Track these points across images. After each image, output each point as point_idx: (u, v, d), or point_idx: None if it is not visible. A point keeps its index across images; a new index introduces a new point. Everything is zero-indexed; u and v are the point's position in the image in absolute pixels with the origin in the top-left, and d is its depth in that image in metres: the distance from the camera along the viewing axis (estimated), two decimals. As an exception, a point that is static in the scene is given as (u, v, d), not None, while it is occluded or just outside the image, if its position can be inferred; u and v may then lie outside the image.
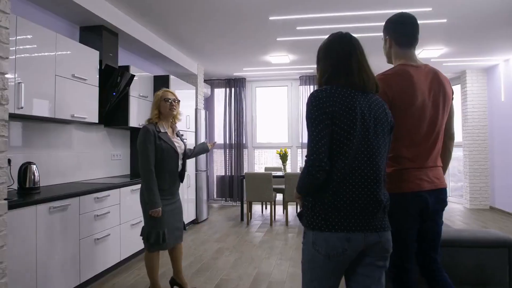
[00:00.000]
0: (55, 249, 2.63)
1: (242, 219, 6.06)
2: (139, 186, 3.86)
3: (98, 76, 3.58)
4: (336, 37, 1.49)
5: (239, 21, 4.40)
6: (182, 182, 2.88)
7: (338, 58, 1.43)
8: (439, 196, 1.72)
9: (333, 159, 1.34)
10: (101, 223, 3.19)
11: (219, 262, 3.83)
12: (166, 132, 2.70)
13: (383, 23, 1.85)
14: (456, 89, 7.74)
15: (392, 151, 1.63)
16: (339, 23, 4.44)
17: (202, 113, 6.12)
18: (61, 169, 3.52)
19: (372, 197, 1.34)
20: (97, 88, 3.57)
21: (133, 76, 4.08)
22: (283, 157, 6.27)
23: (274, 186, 6.03)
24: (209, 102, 7.82)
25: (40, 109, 2.83)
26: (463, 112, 7.26)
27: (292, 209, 7.05)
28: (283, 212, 6.74)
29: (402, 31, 1.75)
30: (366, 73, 1.42)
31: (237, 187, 7.60)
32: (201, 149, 3.17)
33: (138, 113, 4.41)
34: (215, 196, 7.86)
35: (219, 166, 7.98)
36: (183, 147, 2.82)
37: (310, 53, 5.71)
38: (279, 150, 6.34)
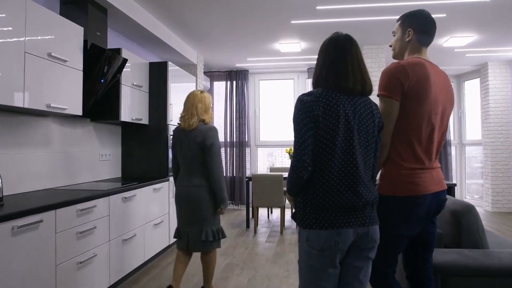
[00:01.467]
0: (22, 282, 1.96)
1: (247, 225, 5.43)
2: (133, 192, 3.23)
3: (82, 58, 2.90)
4: (330, 39, 1.54)
5: (251, 1, 3.77)
6: None
7: (329, 60, 1.49)
8: (441, 197, 1.69)
9: (319, 161, 1.42)
10: (85, 241, 2.53)
11: (230, 285, 3.18)
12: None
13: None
14: (474, 83, 7.20)
15: (399, 149, 1.64)
16: (365, 2, 3.82)
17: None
18: (34, 173, 2.85)
19: (358, 196, 1.41)
20: (81, 73, 2.89)
21: (125, 60, 3.41)
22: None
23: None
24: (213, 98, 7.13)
25: (4, 96, 2.16)
26: (484, 108, 6.72)
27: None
28: (292, 218, 6.10)
29: (425, 29, 1.74)
30: (356, 76, 1.45)
31: (239, 190, 6.96)
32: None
33: (132, 105, 3.74)
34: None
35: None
36: None
37: (325, 38, 5.08)
38: (288, 148, 5.71)
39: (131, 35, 4.34)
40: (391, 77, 1.62)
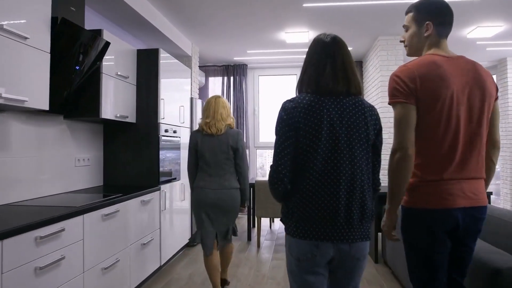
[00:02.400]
0: None
1: (249, 238, 4.81)
2: (115, 207, 2.57)
3: (49, 36, 2.25)
4: (313, 41, 1.48)
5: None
6: None
7: (310, 62, 1.43)
8: (476, 215, 1.48)
9: (300, 169, 1.35)
10: (48, 279, 1.88)
11: (237, 321, 2.57)
12: None
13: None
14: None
15: (418, 157, 1.49)
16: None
17: (199, 103, 4.82)
18: (-13, 184, 2.19)
19: (339, 209, 1.32)
20: (48, 56, 2.24)
21: (107, 44, 2.77)
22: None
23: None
24: (202, 93, 6.51)
25: None
26: (502, 107, 6.22)
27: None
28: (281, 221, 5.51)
29: (444, 19, 1.57)
30: (338, 75, 1.38)
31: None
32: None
33: (115, 99, 3.09)
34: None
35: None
36: None
37: (337, 26, 4.51)
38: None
39: (116, 17, 3.69)
40: (398, 82, 1.47)
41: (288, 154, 1.35)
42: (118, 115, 3.11)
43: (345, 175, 1.33)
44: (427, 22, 1.57)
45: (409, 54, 1.69)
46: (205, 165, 2.76)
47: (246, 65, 6.46)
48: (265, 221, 5.76)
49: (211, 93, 6.60)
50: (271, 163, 1.39)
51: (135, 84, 3.47)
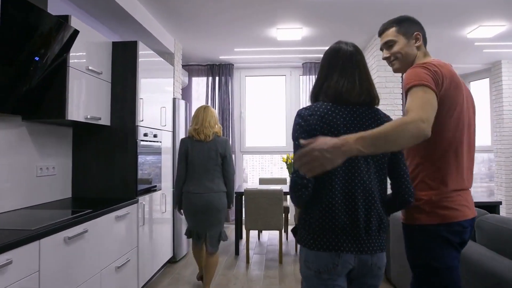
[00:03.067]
0: None
1: (237, 251, 4.41)
2: (83, 227, 2.10)
3: (-1, 18, 1.82)
4: (333, 49, 1.44)
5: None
6: None
7: (333, 71, 1.40)
8: (472, 226, 1.51)
9: (320, 178, 1.31)
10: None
11: None
12: None
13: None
14: (482, 84, 6.56)
15: (431, 168, 1.46)
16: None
17: (182, 104, 4.41)
18: None
19: (361, 220, 1.30)
20: (-3, 42, 1.81)
21: (76, 32, 2.35)
22: (291, 166, 4.70)
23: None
24: (185, 94, 6.08)
25: None
26: (496, 111, 6.06)
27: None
28: (287, 238, 5.16)
29: (424, 29, 1.61)
30: (363, 87, 1.37)
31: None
32: None
33: (86, 98, 2.66)
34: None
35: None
36: None
37: (333, 23, 4.19)
38: (284, 157, 4.76)
39: (89, 5, 3.25)
40: (425, 71, 1.39)
41: None
42: (89, 117, 2.68)
43: (362, 185, 1.32)
44: (416, 32, 1.58)
45: (397, 70, 1.63)
46: (194, 170, 2.98)
47: (233, 65, 6.08)
48: (253, 232, 5.36)
49: (194, 94, 6.19)
50: (293, 170, 1.30)
51: (110, 81, 3.04)
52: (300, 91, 6.15)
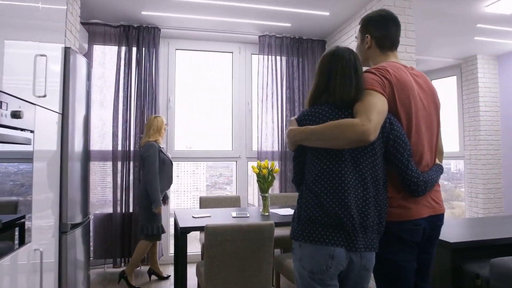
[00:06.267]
0: None
1: (181, 332, 2.52)
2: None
3: None
4: (333, 53, 1.45)
5: None
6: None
7: (335, 74, 1.40)
8: (437, 223, 1.52)
9: (313, 176, 1.37)
10: None
11: None
12: (163, 148, 3.51)
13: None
14: (444, 82, 5.83)
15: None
16: None
17: (81, 63, 2.37)
18: None
19: (358, 216, 1.33)
20: None
21: None
22: (265, 180, 3.00)
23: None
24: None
25: None
26: (469, 112, 5.32)
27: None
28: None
29: (385, 33, 1.57)
30: (360, 89, 1.38)
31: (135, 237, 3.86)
32: None
33: None
34: (91, 257, 3.92)
35: (100, 195, 4.10)
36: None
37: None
38: (255, 165, 3.04)
39: None
40: (376, 75, 1.41)
41: (300, 163, 1.47)
42: None
43: (362, 183, 1.35)
44: (366, 35, 1.62)
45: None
46: None
47: (159, 30, 4.14)
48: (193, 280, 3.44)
49: (96, 71, 4.04)
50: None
51: None
52: (252, 76, 4.51)
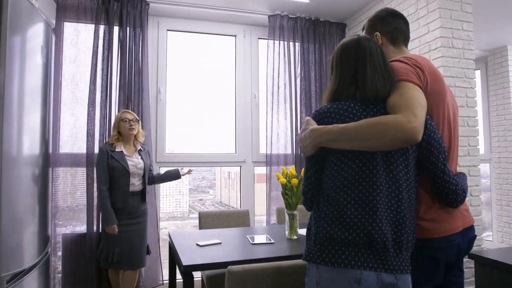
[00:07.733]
0: None
1: None
2: None
3: None
4: (347, 42, 1.28)
5: None
6: (144, 201, 2.83)
7: (348, 68, 1.24)
8: (469, 235, 1.32)
9: (336, 184, 1.18)
10: None
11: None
12: (121, 152, 2.74)
13: None
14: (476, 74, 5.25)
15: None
16: None
17: (32, 20, 1.58)
18: None
19: (390, 232, 1.13)
20: None
21: None
22: (293, 193, 2.26)
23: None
24: (53, 54, 3.07)
25: None
26: (498, 110, 4.76)
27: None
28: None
29: (396, 25, 1.46)
30: (384, 82, 1.21)
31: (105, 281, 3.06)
32: (169, 176, 3.04)
33: None
34: (59, 289, 3.08)
35: (70, 210, 3.24)
36: (141, 165, 2.80)
37: None
38: (281, 174, 2.30)
39: None
40: (408, 65, 1.24)
41: (317, 172, 1.27)
42: None
43: (394, 195, 1.17)
44: (376, 33, 1.51)
45: None
46: None
47: (147, 4, 3.35)
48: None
49: (68, 52, 3.21)
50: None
51: None
52: (260, 64, 3.78)
